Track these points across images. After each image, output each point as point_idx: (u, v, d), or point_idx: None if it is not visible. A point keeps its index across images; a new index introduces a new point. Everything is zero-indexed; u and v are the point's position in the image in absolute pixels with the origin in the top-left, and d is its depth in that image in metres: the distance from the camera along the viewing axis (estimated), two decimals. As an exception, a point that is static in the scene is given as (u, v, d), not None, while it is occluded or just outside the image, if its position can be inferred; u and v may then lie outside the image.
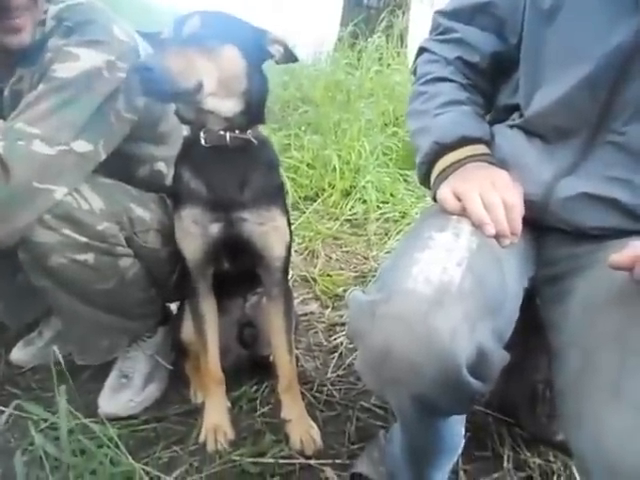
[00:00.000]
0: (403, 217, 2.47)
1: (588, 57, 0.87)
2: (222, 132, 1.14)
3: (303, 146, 2.90)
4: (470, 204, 0.86)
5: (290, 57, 1.17)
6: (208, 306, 1.31)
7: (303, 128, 3.11)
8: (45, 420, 1.26)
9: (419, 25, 5.23)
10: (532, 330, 1.00)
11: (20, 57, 1.21)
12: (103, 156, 1.20)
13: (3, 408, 1.25)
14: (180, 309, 1.47)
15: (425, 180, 1.06)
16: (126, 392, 1.44)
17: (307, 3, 5.75)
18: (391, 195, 2.64)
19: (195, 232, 1.19)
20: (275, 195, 1.24)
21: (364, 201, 2.58)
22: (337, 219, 2.45)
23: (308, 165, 2.77)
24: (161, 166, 1.42)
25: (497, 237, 0.86)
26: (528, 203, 0.92)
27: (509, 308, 0.86)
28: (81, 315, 1.31)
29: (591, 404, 0.71)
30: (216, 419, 1.33)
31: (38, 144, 1.10)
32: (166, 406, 1.45)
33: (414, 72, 1.16)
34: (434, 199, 1.00)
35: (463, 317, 0.75)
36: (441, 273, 0.78)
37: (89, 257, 1.20)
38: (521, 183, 0.94)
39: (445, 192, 0.91)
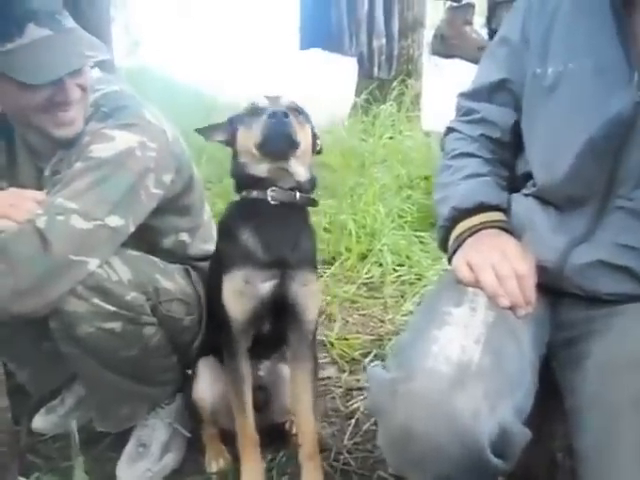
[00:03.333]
0: (419, 279, 2.50)
1: (589, 127, 0.92)
2: (290, 191, 1.25)
3: (319, 210, 2.97)
4: (483, 276, 0.90)
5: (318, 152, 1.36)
6: (246, 367, 1.33)
7: (320, 193, 3.20)
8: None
9: (432, 90, 5.43)
10: (549, 395, 1.01)
11: (65, 140, 1.31)
12: (132, 230, 1.28)
13: None
14: (193, 372, 1.48)
15: (443, 244, 1.11)
16: (144, 462, 1.44)
17: (324, 72, 6.02)
18: (407, 257, 2.67)
19: (246, 292, 1.24)
20: (315, 258, 1.33)
21: (380, 264, 2.61)
22: (354, 282, 2.48)
23: (324, 229, 2.84)
24: (184, 237, 1.49)
25: (512, 308, 0.88)
26: (543, 269, 0.96)
27: (528, 381, 0.87)
28: (104, 381, 1.34)
29: (615, 470, 0.71)
30: None
31: (76, 219, 1.18)
32: (182, 476, 1.45)
33: (442, 148, 1.23)
34: (450, 262, 1.04)
35: (484, 396, 0.76)
36: (460, 352, 0.80)
37: (116, 325, 1.25)
38: (535, 250, 0.97)
39: (459, 263, 0.96)
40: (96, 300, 1.22)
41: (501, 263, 0.91)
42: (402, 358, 0.85)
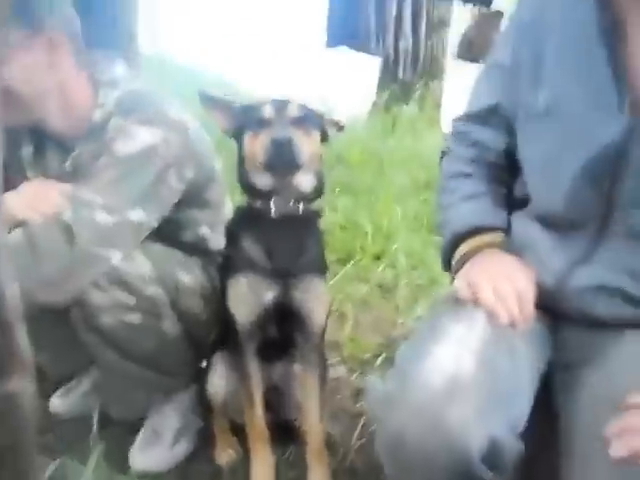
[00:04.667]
0: (432, 284, 2.50)
1: (583, 154, 0.94)
2: (293, 203, 1.26)
3: (335, 207, 2.99)
4: (482, 294, 0.92)
5: (340, 130, 1.35)
6: (254, 367, 1.36)
7: (337, 189, 3.22)
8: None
9: (454, 94, 5.41)
10: (548, 413, 1.02)
11: (81, 136, 1.34)
12: (155, 224, 1.31)
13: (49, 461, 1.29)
14: (207, 366, 1.51)
15: (447, 266, 1.14)
16: (157, 448, 1.49)
17: (345, 67, 6.02)
18: (421, 261, 2.68)
19: (250, 298, 1.27)
20: (322, 264, 1.35)
21: (394, 266, 2.62)
22: (367, 282, 2.50)
23: (340, 227, 2.85)
24: (204, 230, 1.51)
25: (510, 325, 0.90)
26: (542, 290, 0.97)
27: (522, 397, 0.89)
28: (121, 370, 1.38)
29: None
30: (264, 476, 1.36)
31: (100, 213, 1.21)
32: (194, 464, 1.49)
33: (440, 171, 1.25)
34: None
35: (475, 408, 0.79)
36: (454, 365, 0.82)
37: (136, 318, 1.28)
38: (535, 270, 0.99)
39: (460, 282, 0.98)
40: (117, 293, 1.26)
41: (500, 281, 0.93)
42: (399, 371, 0.88)
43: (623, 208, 0.93)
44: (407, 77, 4.04)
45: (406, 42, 3.93)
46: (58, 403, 1.67)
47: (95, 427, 1.18)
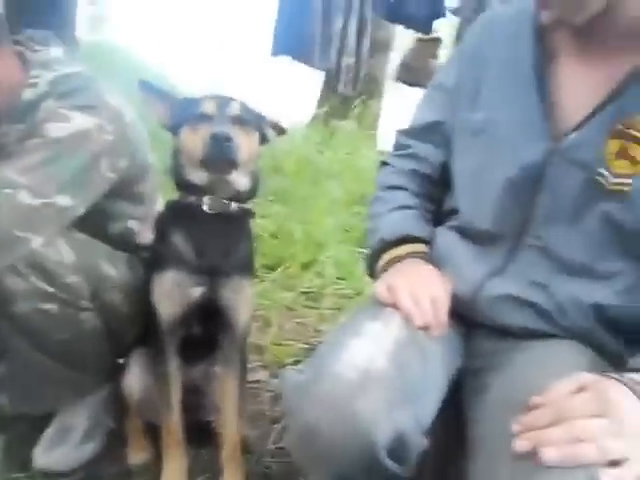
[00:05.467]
0: (358, 294, 2.56)
1: (507, 171, 1.02)
2: (227, 201, 1.25)
3: (267, 215, 2.99)
4: (400, 297, 0.97)
5: (280, 133, 1.36)
6: (174, 367, 1.34)
7: (271, 198, 3.23)
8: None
9: (390, 112, 5.58)
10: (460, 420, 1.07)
11: (6, 114, 1.28)
12: (82, 211, 1.27)
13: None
14: (125, 363, 1.47)
15: (371, 271, 1.19)
16: (63, 446, 1.42)
17: (289, 80, 6.07)
18: (348, 272, 2.73)
19: (176, 295, 1.25)
20: (251, 265, 1.34)
21: (322, 275, 2.66)
22: (293, 290, 2.51)
23: (271, 235, 2.86)
24: (134, 224, 1.48)
25: (424, 328, 0.95)
26: (458, 299, 1.03)
27: (430, 397, 0.93)
28: (32, 362, 1.32)
29: None
30: (176, 478, 1.33)
31: (24, 194, 1.16)
32: (101, 464, 1.44)
33: (376, 182, 1.30)
34: None
35: (384, 402, 0.82)
36: (367, 360, 0.86)
37: (53, 307, 1.23)
38: (453, 281, 1.05)
39: (380, 285, 1.02)
40: (35, 279, 1.20)
41: (417, 286, 0.99)
42: (315, 363, 0.90)
43: (537, 223, 1.00)
44: (347, 92, 4.13)
45: (349, 58, 4.02)
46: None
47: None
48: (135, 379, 1.41)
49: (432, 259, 1.11)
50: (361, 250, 2.94)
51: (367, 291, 2.57)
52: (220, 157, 1.19)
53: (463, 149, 1.12)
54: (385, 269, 1.10)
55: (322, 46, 3.84)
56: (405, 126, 1.27)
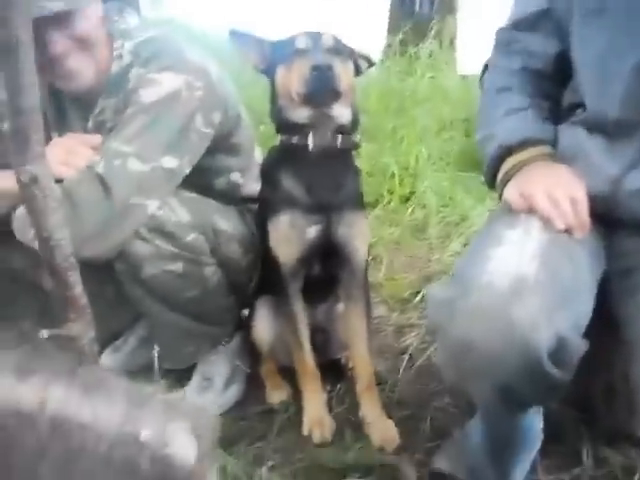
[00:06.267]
0: (464, 220, 2.48)
1: (637, 50, 0.91)
2: (332, 136, 1.25)
3: (360, 154, 2.94)
4: (537, 201, 0.91)
5: (370, 65, 1.35)
6: (299, 306, 1.38)
7: (359, 137, 3.16)
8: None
9: (467, 29, 5.21)
10: (605, 324, 1.02)
11: (101, 90, 1.33)
12: (187, 170, 1.30)
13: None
14: (251, 312, 1.54)
15: (492, 183, 1.11)
16: (209, 394, 1.52)
17: (348, 14, 5.83)
18: (450, 199, 2.65)
19: (293, 236, 1.27)
20: (361, 198, 1.35)
21: (424, 206, 2.60)
22: (398, 224, 2.48)
23: (366, 173, 2.82)
24: (236, 177, 1.50)
25: (566, 231, 0.89)
26: (595, 198, 0.95)
27: (584, 298, 0.90)
28: (168, 321, 1.40)
29: None
30: (317, 412, 1.38)
31: (132, 161, 1.21)
32: (245, 407, 1.53)
33: (481, 86, 1.22)
34: (501, 198, 1.05)
35: (541, 308, 0.79)
36: (516, 267, 0.82)
37: (178, 267, 1.29)
38: (586, 179, 0.97)
39: (511, 192, 0.97)
40: (158, 242, 1.26)
41: (554, 188, 0.92)
42: (459, 277, 0.89)
43: None
44: (424, 11, 3.88)
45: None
46: (108, 360, 1.72)
47: (157, 375, 1.21)
48: (263, 326, 1.47)
49: (559, 160, 1.03)
50: (460, 174, 2.85)
51: (472, 215, 2.49)
52: (323, 88, 1.17)
53: (583, 34, 1.01)
54: (510, 176, 1.03)
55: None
56: (507, 19, 1.16)
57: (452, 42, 4.82)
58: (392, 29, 4.89)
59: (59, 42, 1.22)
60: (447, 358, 0.87)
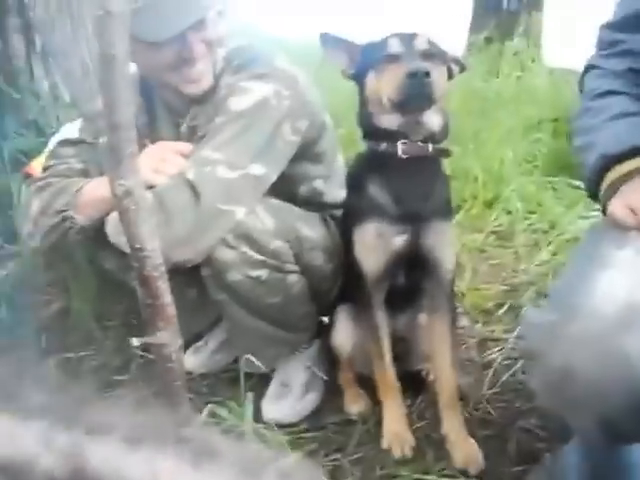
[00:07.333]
0: (552, 227, 2.35)
1: None
2: (422, 143, 1.20)
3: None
4: None
5: (462, 69, 1.26)
6: (382, 316, 1.35)
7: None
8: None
9: (554, 24, 4.97)
10: None
11: (195, 96, 1.35)
12: (274, 178, 1.30)
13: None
14: (331, 319, 1.52)
15: (595, 195, 1.03)
16: (287, 400, 1.52)
17: (429, 13, 5.71)
18: (538, 204, 2.53)
19: (379, 246, 1.24)
20: (449, 208, 1.30)
21: (509, 212, 2.49)
22: (481, 231, 2.39)
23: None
24: (319, 184, 1.49)
25: None
26: None
27: None
28: (249, 326, 1.41)
29: None
30: (397, 426, 1.36)
31: (222, 169, 1.22)
32: (323, 416, 1.51)
33: (581, 89, 1.14)
34: (604, 213, 0.97)
35: None
36: (626, 293, 0.76)
37: (262, 273, 1.29)
38: None
39: (619, 206, 0.89)
40: (244, 248, 1.27)
41: None
42: (559, 300, 0.83)
43: None
44: (512, 7, 3.71)
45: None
46: (189, 361, 1.75)
47: (242, 376, 1.22)
48: (344, 334, 1.45)
49: None
50: (548, 179, 2.71)
51: (563, 223, 2.36)
52: (419, 95, 1.13)
53: None
54: (616, 188, 0.94)
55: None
56: (609, 19, 1.08)
57: (538, 39, 4.61)
58: (475, 27, 4.75)
59: (196, 44, 1.26)
60: (545, 384, 0.82)
